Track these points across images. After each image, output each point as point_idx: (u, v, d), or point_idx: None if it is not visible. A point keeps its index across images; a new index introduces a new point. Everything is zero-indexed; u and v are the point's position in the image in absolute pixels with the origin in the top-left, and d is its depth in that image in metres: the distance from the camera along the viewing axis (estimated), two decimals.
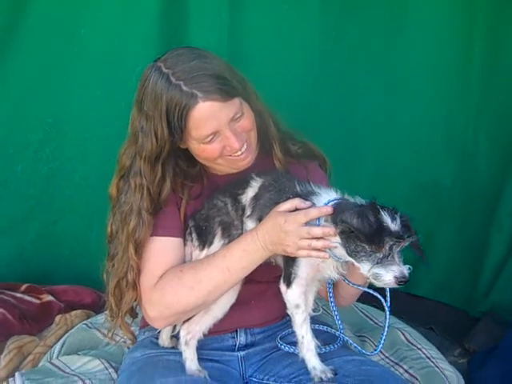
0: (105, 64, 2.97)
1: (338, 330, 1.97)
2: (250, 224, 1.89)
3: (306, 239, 1.73)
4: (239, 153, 1.91)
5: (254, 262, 1.85)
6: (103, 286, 2.07)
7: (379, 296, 1.89)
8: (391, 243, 1.62)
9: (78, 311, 2.77)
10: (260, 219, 1.85)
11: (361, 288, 1.93)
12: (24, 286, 2.91)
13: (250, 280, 1.94)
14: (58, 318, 2.71)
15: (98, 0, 2.92)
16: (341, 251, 1.73)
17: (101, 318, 2.64)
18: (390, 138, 3.15)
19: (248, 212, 1.90)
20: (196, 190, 2.01)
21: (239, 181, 1.94)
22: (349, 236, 1.68)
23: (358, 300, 2.23)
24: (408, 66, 3.07)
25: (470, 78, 3.02)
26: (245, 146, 1.91)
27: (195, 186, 2.01)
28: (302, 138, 2.14)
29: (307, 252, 1.74)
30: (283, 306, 1.90)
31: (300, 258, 1.79)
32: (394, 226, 1.63)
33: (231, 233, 1.91)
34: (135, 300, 1.97)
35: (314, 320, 1.94)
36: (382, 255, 1.63)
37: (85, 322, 2.66)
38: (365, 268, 1.67)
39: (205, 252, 1.93)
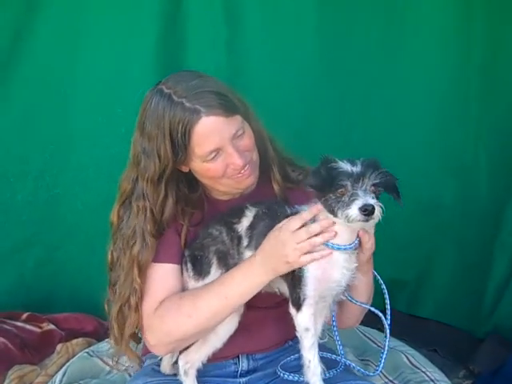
0: (105, 90, 2.99)
1: (339, 355, 1.96)
2: (248, 254, 1.88)
3: (305, 241, 1.72)
4: (242, 171, 1.92)
5: (253, 289, 1.83)
6: (105, 314, 2.05)
7: (379, 314, 1.89)
8: (351, 183, 1.64)
9: (80, 339, 2.76)
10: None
11: (363, 305, 1.94)
12: (25, 315, 2.90)
13: (249, 306, 1.92)
14: (59, 346, 2.70)
15: (98, 27, 2.94)
16: (342, 237, 1.73)
17: (102, 346, 2.62)
18: (388, 156, 3.06)
19: (245, 242, 1.88)
20: (197, 216, 2.01)
21: (234, 209, 1.94)
22: (323, 199, 1.70)
23: (361, 323, 2.21)
24: (406, 84, 3.08)
25: (468, 94, 3.03)
26: (247, 165, 1.92)
27: (196, 212, 2.01)
28: (302, 163, 2.14)
29: (310, 256, 1.72)
30: (284, 330, 1.90)
31: (304, 269, 1.76)
32: (351, 167, 1.67)
33: (227, 262, 1.89)
34: (138, 324, 1.96)
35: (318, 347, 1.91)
36: (347, 198, 1.65)
37: (86, 350, 2.64)
38: (338, 216, 1.67)
39: (201, 282, 1.92)
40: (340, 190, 1.66)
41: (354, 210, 1.63)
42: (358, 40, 3.05)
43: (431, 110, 3.09)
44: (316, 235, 1.72)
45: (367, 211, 1.62)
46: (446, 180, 3.16)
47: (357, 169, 1.67)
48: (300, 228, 1.73)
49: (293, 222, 1.75)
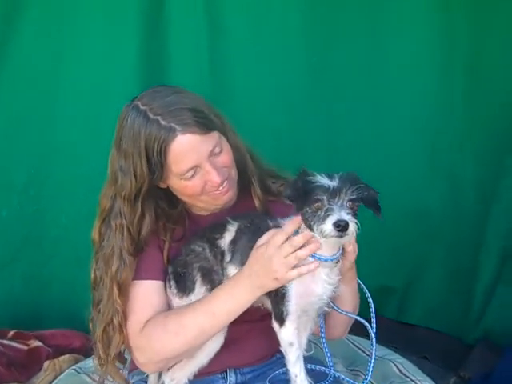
0: (88, 103, 2.97)
1: (328, 367, 1.95)
2: (231, 269, 1.87)
3: (291, 254, 1.70)
4: (220, 188, 1.91)
5: (241, 306, 1.81)
6: (90, 330, 2.04)
7: (365, 323, 1.89)
8: (327, 198, 1.63)
9: (67, 356, 2.72)
10: (243, 263, 1.82)
11: (348, 315, 1.93)
12: (11, 333, 2.86)
13: (235, 320, 1.89)
14: (46, 363, 2.66)
15: (80, 39, 2.93)
16: (325, 249, 1.72)
17: (90, 363, 2.58)
18: (375, 164, 3.13)
19: (228, 257, 1.87)
20: (178, 232, 2.00)
21: (216, 225, 1.93)
22: (301, 212, 1.69)
23: (350, 332, 2.20)
24: (391, 90, 3.08)
25: (453, 101, 3.04)
26: (225, 182, 1.91)
27: (177, 228, 2.00)
28: (285, 174, 2.11)
29: (297, 271, 1.71)
30: (272, 343, 1.88)
31: (288, 285, 1.75)
32: (328, 181, 1.65)
33: (212, 278, 1.88)
34: (123, 343, 1.94)
35: (305, 358, 1.89)
36: (322, 212, 1.63)
37: (73, 367, 2.61)
38: (314, 230, 1.66)
39: (185, 299, 1.91)
40: (316, 205, 1.65)
41: (327, 226, 1.62)
42: (343, 47, 3.06)
43: (417, 116, 3.10)
44: (302, 247, 1.71)
45: (341, 227, 1.60)
46: (433, 185, 3.17)
47: (334, 183, 1.65)
48: (284, 242, 1.72)
49: (277, 237, 1.73)
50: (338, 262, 1.78)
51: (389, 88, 3.08)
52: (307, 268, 1.71)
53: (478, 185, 3.09)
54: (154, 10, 2.93)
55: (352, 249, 1.78)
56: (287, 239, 1.72)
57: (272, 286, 1.76)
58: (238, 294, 1.80)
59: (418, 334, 3.23)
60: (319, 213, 1.64)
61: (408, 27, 3.02)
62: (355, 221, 1.63)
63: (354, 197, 1.65)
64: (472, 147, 3.07)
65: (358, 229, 1.64)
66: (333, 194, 1.64)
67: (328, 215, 1.62)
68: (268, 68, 3.05)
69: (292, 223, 1.74)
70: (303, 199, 1.66)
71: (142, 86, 2.83)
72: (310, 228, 1.68)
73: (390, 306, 3.33)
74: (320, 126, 3.14)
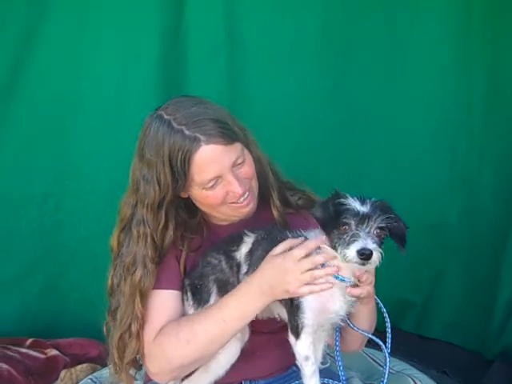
0: (106, 115, 3.01)
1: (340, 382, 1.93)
2: None
3: (308, 271, 1.71)
4: (242, 199, 1.91)
5: (251, 312, 1.81)
6: (104, 338, 2.05)
7: (380, 342, 1.88)
8: (355, 223, 1.62)
9: (84, 365, 2.74)
10: None
11: (364, 333, 1.91)
12: (29, 341, 2.88)
13: (253, 331, 1.91)
14: (63, 373, 2.68)
15: (98, 51, 2.97)
16: (345, 271, 1.71)
17: (106, 372, 2.60)
18: (393, 178, 3.14)
19: (244, 269, 1.88)
20: (196, 242, 2.00)
21: (233, 237, 1.93)
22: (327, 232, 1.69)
23: (368, 344, 2.18)
24: (409, 106, 3.09)
25: (471, 113, 3.04)
26: (247, 193, 1.91)
27: (195, 238, 2.00)
28: (303, 187, 2.13)
29: (309, 288, 1.71)
30: (288, 356, 1.87)
31: (302, 298, 1.75)
32: (359, 206, 1.64)
33: (228, 290, 1.88)
34: (138, 351, 1.94)
35: (320, 371, 1.88)
36: (348, 236, 1.62)
37: (90, 376, 2.62)
38: (338, 253, 1.66)
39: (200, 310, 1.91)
40: (343, 228, 1.64)
41: (351, 252, 1.61)
42: (361, 61, 3.08)
43: (436, 128, 3.11)
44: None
45: (364, 255, 1.60)
46: (452, 198, 3.15)
47: (364, 209, 1.64)
48: (304, 257, 1.72)
49: (297, 251, 1.74)
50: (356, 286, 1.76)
51: (406, 100, 3.09)
52: (320, 287, 1.72)
53: (497, 198, 3.06)
54: (173, 21, 2.97)
55: (368, 283, 1.76)
56: (307, 255, 1.72)
57: (282, 296, 1.77)
58: (247, 301, 1.80)
59: (437, 348, 3.20)
60: (345, 236, 1.64)
61: (426, 38, 3.03)
62: (380, 250, 1.62)
63: (382, 225, 1.64)
64: (491, 160, 3.05)
65: (382, 259, 1.63)
66: (362, 219, 1.63)
67: (353, 241, 1.62)
68: (285, 80, 3.07)
69: (316, 241, 1.74)
70: (333, 221, 1.66)
71: (161, 97, 2.87)
72: (335, 249, 1.67)
73: (408, 320, 3.30)
74: (337, 139, 3.14)
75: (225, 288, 1.89)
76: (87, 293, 3.08)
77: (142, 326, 1.90)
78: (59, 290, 3.12)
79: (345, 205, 1.65)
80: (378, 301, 1.93)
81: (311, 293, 1.72)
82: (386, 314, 1.91)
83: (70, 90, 2.99)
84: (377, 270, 1.79)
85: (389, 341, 1.88)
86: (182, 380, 1.95)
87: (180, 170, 1.84)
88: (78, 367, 2.72)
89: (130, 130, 2.81)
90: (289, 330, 1.81)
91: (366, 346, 2.16)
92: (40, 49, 2.93)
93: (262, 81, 3.05)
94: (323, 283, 1.71)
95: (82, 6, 2.92)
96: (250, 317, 1.82)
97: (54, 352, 2.82)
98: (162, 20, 2.94)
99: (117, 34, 2.95)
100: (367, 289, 1.77)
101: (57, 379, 2.70)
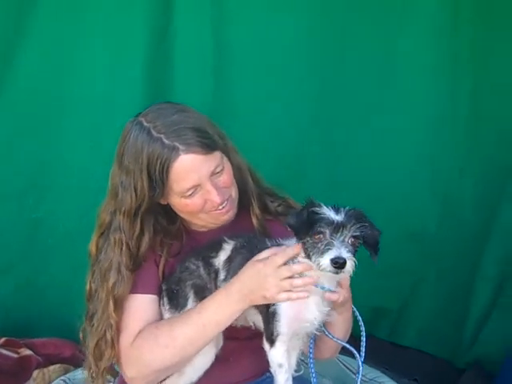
0: (91, 115, 2.98)
1: None
2: None
3: (287, 279, 1.72)
4: (220, 207, 1.92)
5: (230, 317, 1.82)
6: (80, 340, 2.04)
7: (354, 351, 1.89)
8: (329, 232, 1.63)
9: (57, 366, 2.73)
10: None
11: (339, 342, 1.92)
12: (2, 340, 2.86)
13: (228, 337, 1.92)
14: (35, 372, 2.67)
15: (85, 51, 2.94)
16: (322, 279, 1.73)
17: (78, 374, 2.60)
18: (375, 186, 3.16)
19: (222, 275, 1.88)
20: (175, 247, 2.00)
21: (212, 243, 1.93)
22: (302, 241, 1.70)
23: (341, 351, 2.19)
24: (394, 115, 3.10)
25: (455, 124, 3.06)
26: (225, 202, 1.92)
27: (174, 243, 2.01)
28: (283, 194, 2.14)
29: (287, 295, 1.73)
30: (262, 362, 1.88)
31: (278, 306, 1.76)
32: (333, 215, 1.65)
33: (204, 296, 1.88)
34: (114, 357, 1.93)
35: (294, 379, 1.89)
36: (323, 245, 1.63)
37: (62, 377, 2.62)
38: (312, 260, 1.67)
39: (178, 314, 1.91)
40: (317, 236, 1.65)
41: (325, 260, 1.62)
42: (348, 69, 3.08)
43: (418, 138, 3.12)
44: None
45: (338, 264, 1.61)
46: (432, 208, 3.18)
47: (339, 218, 1.65)
48: (283, 264, 1.74)
49: (277, 258, 1.75)
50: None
51: (391, 109, 3.10)
52: (297, 295, 1.73)
53: (476, 209, 3.10)
54: (161, 26, 2.95)
55: (341, 297, 1.77)
56: (286, 262, 1.74)
57: (260, 301, 1.78)
58: (226, 306, 1.81)
59: (410, 356, 3.23)
60: (319, 245, 1.65)
61: (413, 52, 3.04)
62: (354, 259, 1.63)
63: (357, 234, 1.65)
64: (472, 172, 3.08)
65: (356, 267, 1.64)
66: (336, 228, 1.63)
67: (328, 249, 1.62)
68: (271, 89, 3.06)
69: (295, 248, 1.75)
70: (306, 229, 1.66)
71: (146, 100, 2.86)
72: (309, 258, 1.68)
73: (383, 327, 3.33)
74: (321, 149, 3.16)
75: (202, 293, 1.89)
76: (63, 291, 3.06)
77: (117, 332, 1.90)
78: (35, 287, 3.10)
79: (319, 213, 1.66)
80: (355, 309, 1.94)
81: (288, 299, 1.74)
82: (361, 323, 1.92)
83: (55, 88, 2.96)
84: (353, 277, 1.79)
85: (363, 349, 1.89)
86: None
87: (158, 178, 1.84)
88: (51, 367, 2.72)
89: (114, 130, 2.80)
90: (264, 337, 1.82)
91: (339, 352, 2.17)
92: (26, 46, 2.90)
93: (248, 85, 3.04)
94: (300, 291, 1.73)
95: (71, 6, 2.90)
96: (229, 321, 1.83)
97: (27, 352, 2.80)
98: (150, 22, 2.93)
99: (104, 35, 2.92)
100: (343, 293, 1.78)
101: (29, 379, 2.68)
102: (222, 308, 1.81)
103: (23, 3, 2.87)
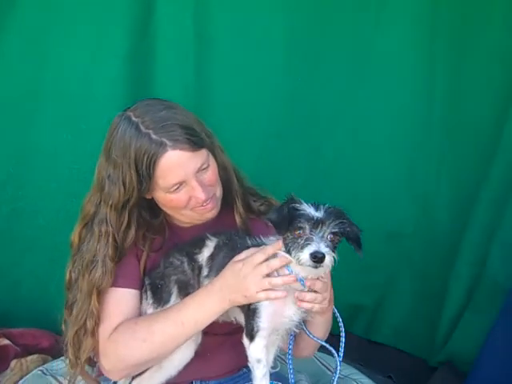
0: (70, 106, 2.95)
1: None
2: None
3: (266, 278, 1.75)
4: (205, 204, 1.94)
5: (209, 316, 1.84)
6: (61, 332, 2.05)
7: (333, 351, 1.94)
8: (309, 227, 1.67)
9: (35, 356, 2.71)
10: None
11: (318, 341, 1.97)
12: None
13: (206, 333, 1.94)
14: (13, 362, 2.65)
15: (65, 41, 2.91)
16: (301, 274, 1.75)
17: (57, 364, 2.59)
18: (353, 184, 3.19)
19: (205, 272, 1.91)
20: (157, 242, 2.02)
21: (195, 240, 1.96)
22: (282, 236, 1.73)
23: (318, 349, 2.24)
24: (371, 113, 3.12)
25: (431, 126, 3.08)
26: (209, 199, 1.94)
27: (156, 238, 2.02)
28: (265, 193, 2.17)
29: (266, 294, 1.75)
30: (239, 358, 1.91)
31: (259, 302, 1.79)
32: (313, 211, 1.69)
33: (188, 291, 1.91)
34: (93, 348, 1.95)
35: (271, 375, 1.91)
36: (302, 241, 1.67)
37: (40, 368, 2.60)
38: (291, 256, 1.70)
39: (159, 310, 1.92)
40: (297, 232, 1.69)
41: (304, 255, 1.66)
42: (325, 67, 3.09)
43: (395, 139, 3.14)
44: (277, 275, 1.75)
45: (317, 258, 1.65)
46: (408, 208, 3.21)
47: (318, 214, 1.69)
48: (262, 263, 1.76)
49: (256, 257, 1.77)
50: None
51: (367, 110, 3.12)
52: (275, 294, 1.76)
53: (452, 211, 3.13)
54: (142, 17, 2.93)
55: (320, 288, 1.79)
56: (265, 260, 1.76)
57: (241, 301, 1.80)
58: (207, 305, 1.83)
59: (385, 353, 3.28)
60: (299, 240, 1.69)
61: (390, 50, 3.05)
62: (333, 254, 1.68)
63: (335, 230, 1.69)
64: (448, 173, 3.11)
65: (335, 262, 1.68)
66: (315, 224, 1.68)
67: (307, 244, 1.67)
68: (251, 83, 3.07)
69: (274, 246, 1.78)
70: (286, 224, 1.70)
71: (128, 92, 2.88)
72: (289, 253, 1.72)
73: (358, 324, 3.38)
74: (300, 144, 3.17)
75: (185, 289, 1.92)
76: (41, 282, 3.05)
77: (97, 323, 1.91)
78: (13, 277, 3.08)
79: (299, 210, 1.70)
80: (335, 310, 1.98)
81: (267, 299, 1.76)
82: (341, 324, 1.97)
83: (35, 78, 2.92)
84: (330, 273, 1.84)
85: (341, 350, 1.94)
86: (134, 378, 1.97)
87: (145, 173, 1.85)
88: (29, 358, 2.70)
89: (94, 123, 2.82)
90: (244, 332, 1.85)
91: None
92: (3, 36, 2.87)
93: (228, 82, 3.05)
94: (278, 291, 1.75)
95: (52, 2, 2.87)
96: (209, 320, 1.85)
97: (5, 341, 2.78)
98: (132, 15, 2.91)
99: (86, 28, 2.89)
100: (323, 296, 1.81)
101: (6, 369, 2.66)
102: (202, 307, 1.83)
103: None
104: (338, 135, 3.16)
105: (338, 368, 1.94)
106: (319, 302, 1.80)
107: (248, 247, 1.86)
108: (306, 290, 1.78)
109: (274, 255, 1.78)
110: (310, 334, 1.93)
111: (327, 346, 1.96)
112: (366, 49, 3.06)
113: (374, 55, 3.06)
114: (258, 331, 1.81)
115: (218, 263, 1.88)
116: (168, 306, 1.92)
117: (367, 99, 3.11)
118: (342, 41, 3.05)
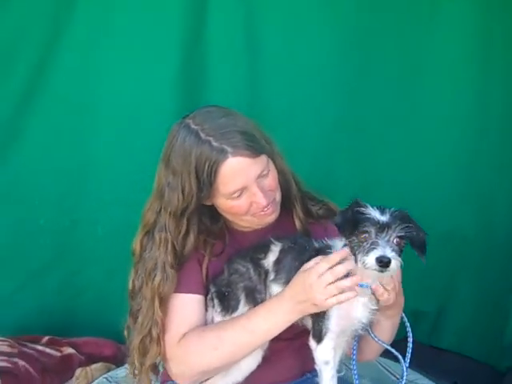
0: (126, 118, 3.02)
1: None
2: (275, 288, 1.90)
3: (331, 284, 1.72)
4: (265, 209, 1.93)
5: (280, 326, 1.83)
6: (124, 339, 2.08)
7: (399, 356, 1.90)
8: (375, 231, 1.65)
9: (99, 364, 2.76)
10: (287, 282, 1.84)
11: (384, 345, 1.93)
12: (45, 339, 2.91)
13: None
14: (78, 371, 2.70)
15: (119, 56, 2.98)
16: (366, 279, 1.73)
17: (120, 372, 2.62)
18: (409, 185, 3.15)
19: (272, 276, 1.91)
20: (218, 247, 2.02)
21: (259, 245, 1.96)
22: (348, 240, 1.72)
23: (380, 354, 2.20)
24: (425, 119, 3.10)
25: (490, 122, 3.05)
26: (270, 204, 1.94)
27: (217, 243, 2.03)
28: (322, 197, 2.16)
29: (336, 299, 1.73)
30: (304, 362, 1.90)
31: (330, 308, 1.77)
32: (378, 215, 1.67)
33: (255, 297, 1.91)
34: (159, 355, 1.96)
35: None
36: (367, 244, 1.65)
37: (105, 375, 2.64)
38: (357, 260, 1.68)
39: (228, 318, 1.93)
40: (363, 236, 1.67)
41: (370, 259, 1.64)
42: (378, 71, 3.08)
43: (453, 140, 3.11)
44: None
45: (383, 263, 1.62)
46: (468, 208, 3.16)
47: (384, 218, 1.67)
48: (327, 271, 1.74)
49: (320, 265, 1.75)
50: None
51: (420, 117, 3.10)
52: (345, 296, 1.73)
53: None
54: (195, 29, 2.98)
55: (385, 297, 1.76)
56: (330, 268, 1.74)
57: (311, 310, 1.79)
58: (277, 314, 1.82)
59: (449, 359, 3.20)
60: (365, 244, 1.67)
61: (444, 52, 3.04)
62: (399, 259, 1.65)
63: (401, 234, 1.67)
64: (509, 174, 3.06)
65: (401, 267, 1.66)
66: (381, 228, 1.66)
67: (373, 248, 1.64)
68: (303, 89, 3.07)
69: (339, 254, 1.76)
70: (351, 228, 1.69)
71: (181, 104, 2.92)
72: (355, 257, 1.70)
73: (421, 330, 3.29)
74: (354, 148, 3.16)
75: (252, 295, 1.92)
76: (102, 292, 3.11)
77: (162, 331, 1.92)
78: (75, 288, 3.14)
79: (365, 214, 1.68)
80: (403, 315, 1.94)
81: (339, 303, 1.74)
82: (409, 329, 1.93)
83: (91, 91, 2.99)
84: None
85: (408, 355, 1.91)
86: (200, 383, 1.97)
87: (206, 180, 1.86)
88: (93, 366, 2.74)
89: (149, 135, 2.87)
90: (311, 334, 1.84)
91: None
92: (61, 53, 2.94)
93: (281, 89, 3.06)
94: (348, 292, 1.73)
95: (106, 10, 2.94)
96: (279, 331, 1.84)
97: (69, 350, 2.85)
98: (184, 28, 2.96)
99: (139, 39, 2.96)
100: (393, 295, 1.78)
101: (72, 377, 2.72)
102: (273, 317, 1.83)
103: (59, 9, 2.91)
104: (393, 135, 3.13)
105: (405, 373, 1.90)
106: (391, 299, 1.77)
107: (316, 249, 1.85)
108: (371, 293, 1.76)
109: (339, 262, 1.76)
110: (376, 337, 1.89)
111: (393, 350, 1.91)
112: (419, 57, 3.06)
113: (428, 63, 3.06)
114: (326, 333, 1.80)
115: (287, 266, 1.88)
116: (236, 313, 1.92)
117: (420, 106, 3.09)
118: (395, 50, 3.05)
